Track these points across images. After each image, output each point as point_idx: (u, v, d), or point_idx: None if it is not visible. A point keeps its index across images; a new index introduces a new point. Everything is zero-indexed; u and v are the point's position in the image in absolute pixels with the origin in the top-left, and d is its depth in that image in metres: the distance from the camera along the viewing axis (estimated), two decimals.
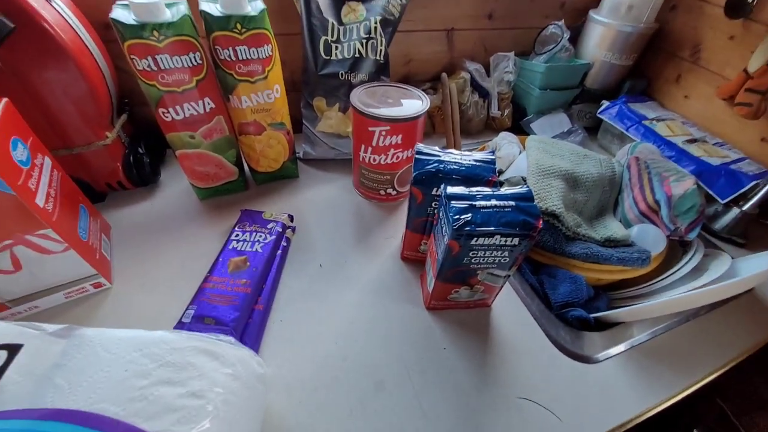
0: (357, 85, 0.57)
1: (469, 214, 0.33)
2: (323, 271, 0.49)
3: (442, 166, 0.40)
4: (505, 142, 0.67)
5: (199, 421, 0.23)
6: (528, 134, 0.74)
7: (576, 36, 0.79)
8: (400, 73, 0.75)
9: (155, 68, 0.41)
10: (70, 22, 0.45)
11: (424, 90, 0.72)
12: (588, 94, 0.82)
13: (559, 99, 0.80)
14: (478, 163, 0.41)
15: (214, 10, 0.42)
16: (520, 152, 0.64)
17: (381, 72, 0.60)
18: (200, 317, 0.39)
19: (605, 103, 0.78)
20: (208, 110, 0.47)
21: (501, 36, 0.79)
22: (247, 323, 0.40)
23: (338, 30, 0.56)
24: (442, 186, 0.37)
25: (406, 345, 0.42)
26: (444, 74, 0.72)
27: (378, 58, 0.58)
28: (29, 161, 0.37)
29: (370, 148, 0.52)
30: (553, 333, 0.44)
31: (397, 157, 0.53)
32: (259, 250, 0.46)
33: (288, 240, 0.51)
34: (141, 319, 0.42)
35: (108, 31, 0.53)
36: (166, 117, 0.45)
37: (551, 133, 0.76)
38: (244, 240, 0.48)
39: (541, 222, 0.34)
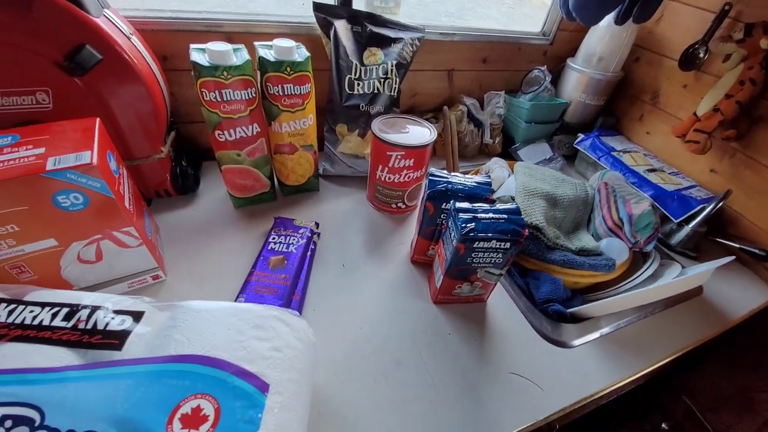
0: (374, 115, 0.68)
1: (473, 223, 0.43)
2: (346, 271, 0.57)
3: (450, 186, 0.50)
4: (497, 167, 0.78)
5: (282, 367, 0.31)
6: (516, 160, 0.86)
7: (556, 79, 0.93)
8: (407, 104, 0.87)
9: (219, 99, 0.50)
10: (143, 54, 0.54)
11: (427, 119, 0.83)
12: (567, 127, 0.95)
13: (542, 131, 0.92)
14: (477, 184, 0.52)
15: (270, 56, 0.52)
16: (509, 175, 0.75)
17: (393, 105, 0.71)
18: None
19: (581, 136, 0.91)
20: (254, 133, 0.56)
21: (493, 77, 0.92)
22: None
23: (360, 70, 0.67)
24: (451, 201, 0.46)
25: (418, 331, 0.50)
26: (445, 107, 0.84)
27: (392, 93, 0.69)
28: (117, 171, 0.45)
29: (386, 169, 0.62)
30: (536, 324, 0.53)
31: (409, 177, 0.63)
32: (294, 250, 0.55)
33: (315, 244, 0.60)
34: None
35: (166, 62, 0.63)
36: (221, 138, 0.54)
37: (535, 160, 0.88)
38: (280, 242, 0.56)
39: (526, 231, 0.44)
